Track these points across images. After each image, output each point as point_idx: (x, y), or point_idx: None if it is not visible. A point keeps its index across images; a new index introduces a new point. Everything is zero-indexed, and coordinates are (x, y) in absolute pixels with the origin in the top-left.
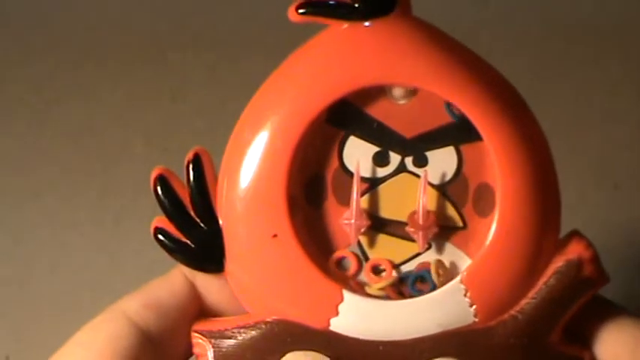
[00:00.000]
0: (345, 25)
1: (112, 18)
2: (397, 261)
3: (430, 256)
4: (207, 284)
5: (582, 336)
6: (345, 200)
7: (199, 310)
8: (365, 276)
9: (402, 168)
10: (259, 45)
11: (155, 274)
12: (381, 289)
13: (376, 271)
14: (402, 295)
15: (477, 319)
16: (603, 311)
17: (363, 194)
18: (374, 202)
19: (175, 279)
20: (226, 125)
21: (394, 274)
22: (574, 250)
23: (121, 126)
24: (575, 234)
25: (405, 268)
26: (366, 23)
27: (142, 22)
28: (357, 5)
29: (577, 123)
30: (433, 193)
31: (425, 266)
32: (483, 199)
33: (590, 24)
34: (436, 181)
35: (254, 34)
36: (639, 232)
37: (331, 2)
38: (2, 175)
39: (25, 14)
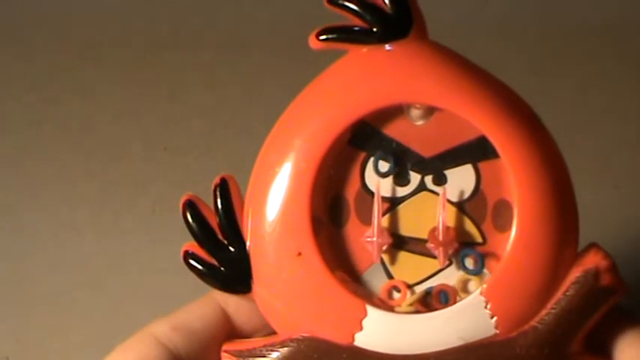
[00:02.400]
0: (365, 49)
1: (110, 18)
2: (418, 278)
3: (451, 273)
4: (239, 307)
5: (604, 347)
6: (367, 220)
7: (230, 333)
8: (383, 298)
9: (422, 187)
10: (257, 45)
11: (153, 273)
12: (411, 304)
13: (390, 294)
14: (429, 308)
15: (497, 331)
16: (624, 323)
17: (384, 213)
18: (395, 221)
19: (206, 304)
20: (224, 125)
21: (409, 294)
22: (591, 261)
23: (119, 125)
24: (593, 246)
25: (427, 284)
26: (385, 47)
27: (141, 22)
28: (374, 29)
29: (575, 122)
30: (453, 210)
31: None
32: (502, 215)
33: (587, 23)
34: (455, 199)
35: (252, 34)
36: (639, 232)
37: (350, 27)
38: (1, 173)
39: (23, 14)
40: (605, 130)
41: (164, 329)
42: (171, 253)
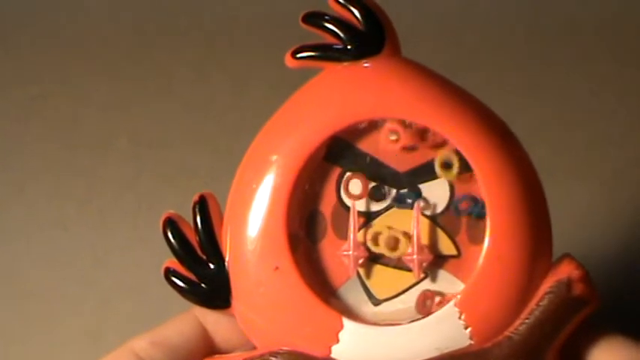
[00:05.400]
0: (339, 66)
1: (98, 14)
2: (394, 292)
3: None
4: (218, 324)
5: (577, 357)
6: (344, 235)
7: (209, 349)
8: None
9: (397, 201)
10: (245, 42)
11: (140, 270)
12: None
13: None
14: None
15: (472, 342)
16: (597, 332)
17: (360, 228)
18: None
19: (185, 320)
20: (212, 121)
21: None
22: (564, 271)
23: (105, 121)
24: (566, 256)
25: (404, 298)
26: (360, 64)
27: (128, 17)
28: (349, 47)
29: (562, 121)
30: (427, 224)
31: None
32: (476, 228)
33: (575, 22)
34: (430, 212)
35: (240, 30)
36: (625, 230)
37: (325, 45)
38: None
39: (10, 10)
40: (591, 128)
41: (143, 344)
42: (157, 249)
